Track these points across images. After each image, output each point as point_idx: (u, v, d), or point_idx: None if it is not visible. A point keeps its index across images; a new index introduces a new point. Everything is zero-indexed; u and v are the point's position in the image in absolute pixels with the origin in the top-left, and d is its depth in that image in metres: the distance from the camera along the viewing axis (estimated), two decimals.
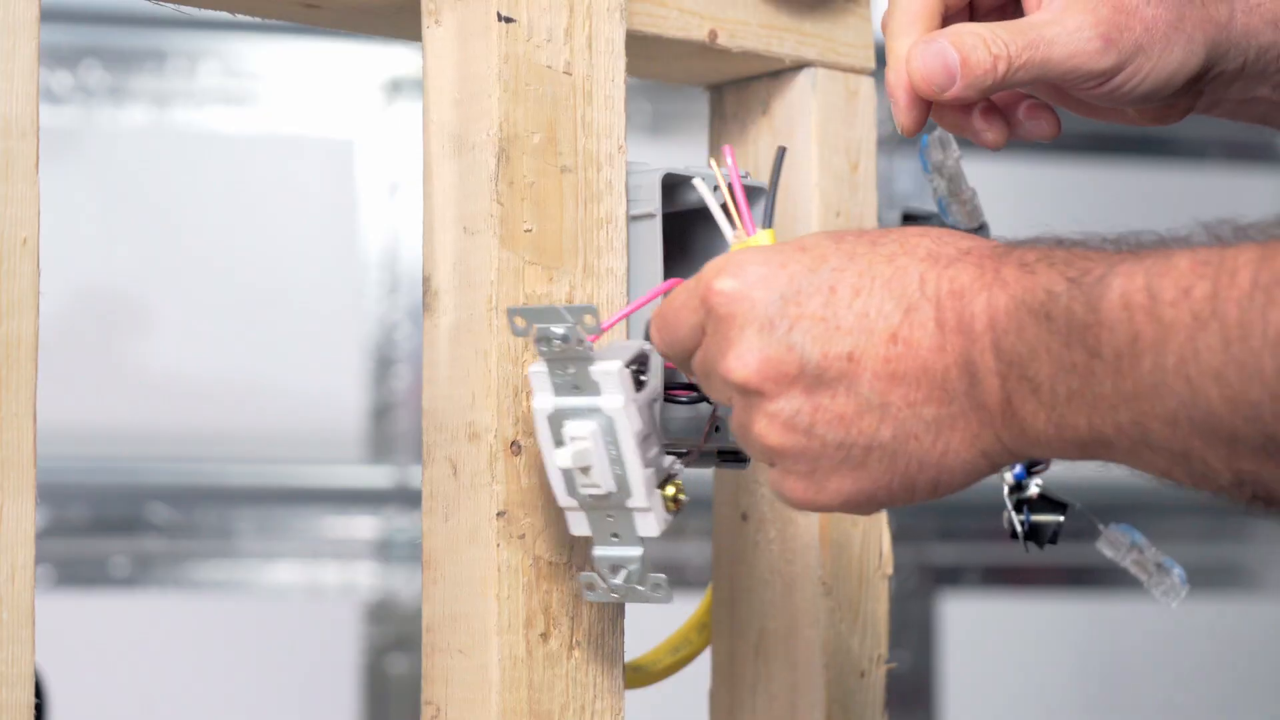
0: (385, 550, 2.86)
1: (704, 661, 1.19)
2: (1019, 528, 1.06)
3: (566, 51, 0.99)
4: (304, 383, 2.89)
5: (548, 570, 0.97)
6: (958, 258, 0.83)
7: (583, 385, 0.90)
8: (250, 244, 2.88)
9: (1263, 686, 3.17)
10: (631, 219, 1.00)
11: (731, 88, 1.17)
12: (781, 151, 0.98)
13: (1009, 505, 1.07)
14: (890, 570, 1.17)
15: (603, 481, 0.91)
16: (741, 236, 0.95)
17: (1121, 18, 0.95)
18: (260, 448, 2.86)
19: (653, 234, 0.99)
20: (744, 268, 0.86)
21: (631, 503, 0.92)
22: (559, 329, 0.89)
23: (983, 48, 0.94)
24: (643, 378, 0.91)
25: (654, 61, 1.11)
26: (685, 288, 0.90)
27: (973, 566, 3.04)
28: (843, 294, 0.84)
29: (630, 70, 1.01)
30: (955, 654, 3.02)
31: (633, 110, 1.01)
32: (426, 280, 1.00)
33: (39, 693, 0.91)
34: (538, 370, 0.91)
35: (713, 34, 1.09)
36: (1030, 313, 0.79)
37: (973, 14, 1.00)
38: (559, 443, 0.91)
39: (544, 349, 0.90)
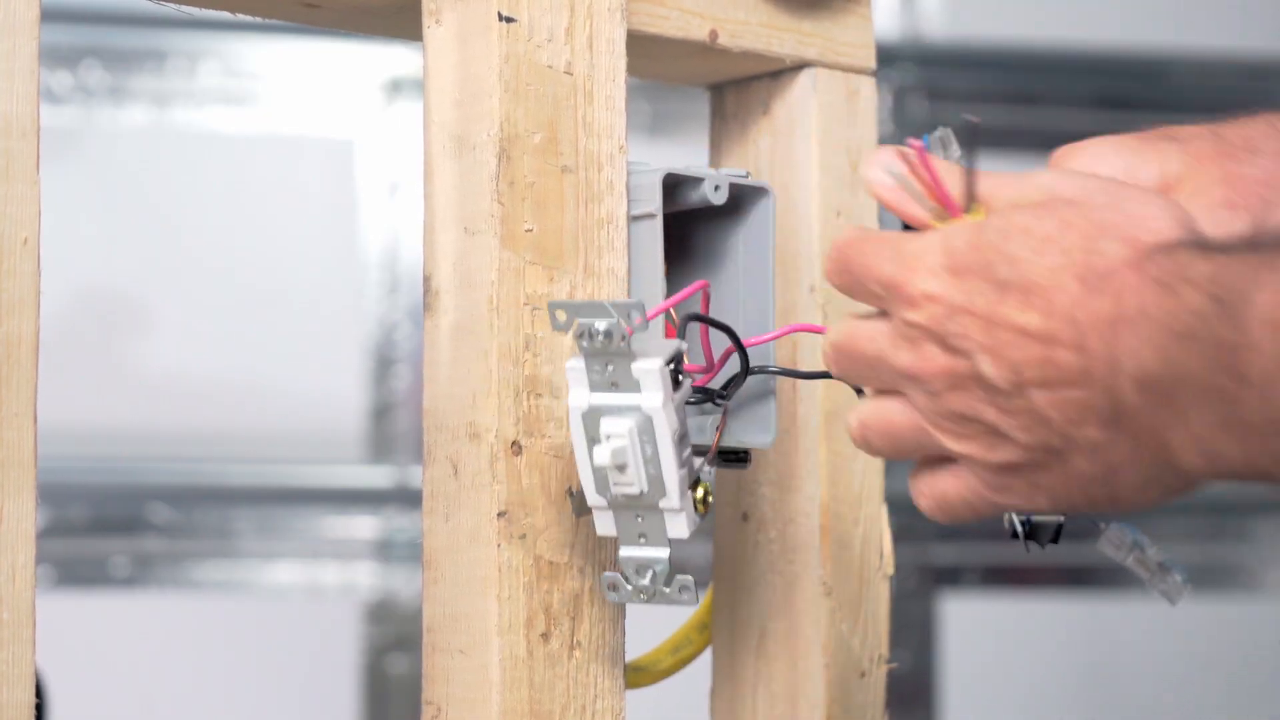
0: (385, 550, 2.86)
1: (704, 661, 1.19)
2: (1019, 528, 1.06)
3: (567, 51, 0.99)
4: (304, 383, 2.89)
5: (549, 570, 0.97)
6: (1107, 276, 0.80)
7: (621, 382, 0.90)
8: (250, 244, 2.88)
9: (1263, 686, 3.17)
10: (632, 219, 1.00)
11: (732, 88, 1.17)
12: (973, 126, 0.91)
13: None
14: (891, 570, 1.17)
15: (637, 480, 0.91)
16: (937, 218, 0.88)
17: (1235, 186, 0.93)
18: (260, 448, 2.86)
19: (653, 234, 0.99)
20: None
21: (664, 503, 0.92)
22: (602, 324, 0.89)
23: None
24: (680, 377, 0.91)
25: (654, 61, 1.11)
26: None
27: (973, 566, 3.04)
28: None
29: (630, 70, 1.01)
30: (955, 654, 3.02)
31: (633, 110, 1.01)
32: (427, 280, 1.00)
33: (39, 693, 0.91)
34: (575, 366, 0.91)
35: (713, 34, 1.09)
36: (1175, 337, 0.76)
37: None
38: (594, 440, 0.91)
39: (584, 344, 0.89)
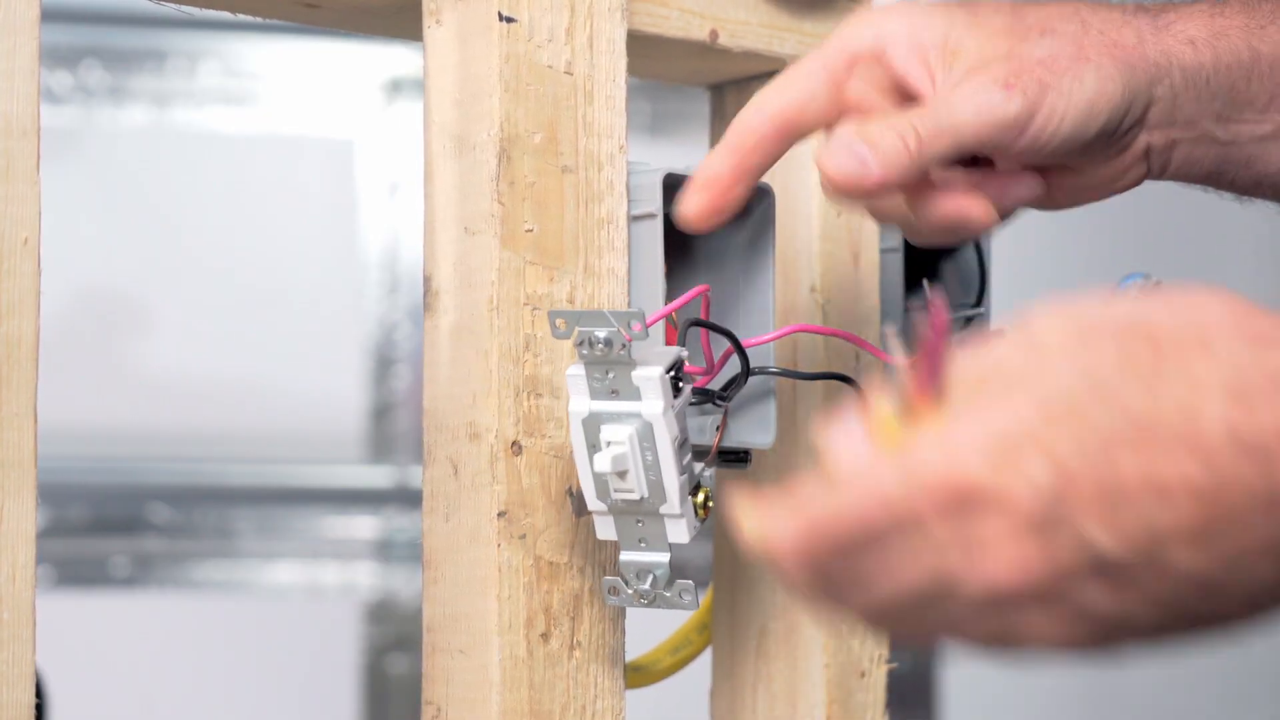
0: (385, 550, 2.86)
1: (704, 661, 1.19)
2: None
3: (567, 51, 0.99)
4: (304, 383, 2.89)
5: (549, 570, 0.97)
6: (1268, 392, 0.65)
7: (621, 390, 0.90)
8: (250, 244, 2.88)
9: (1263, 686, 3.17)
10: (632, 219, 1.00)
11: (732, 88, 1.17)
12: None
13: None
14: None
15: (637, 487, 0.91)
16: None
17: (1015, 64, 0.92)
18: (260, 448, 2.86)
19: (653, 234, 0.99)
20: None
21: (665, 509, 0.92)
22: (603, 332, 0.89)
23: (889, 131, 0.91)
24: (680, 384, 0.91)
25: (654, 61, 1.11)
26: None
27: None
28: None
29: (631, 70, 1.01)
30: (955, 654, 3.02)
31: (633, 110, 1.01)
32: (427, 280, 1.00)
33: (39, 693, 0.91)
34: (575, 373, 0.91)
35: (714, 34, 1.09)
36: None
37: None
38: (594, 447, 0.91)
39: (584, 352, 0.90)
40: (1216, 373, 0.65)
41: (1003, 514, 0.65)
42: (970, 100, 0.92)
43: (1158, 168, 0.98)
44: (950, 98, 0.93)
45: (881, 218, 0.99)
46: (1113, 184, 0.99)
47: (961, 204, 0.95)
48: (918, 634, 0.68)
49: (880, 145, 0.91)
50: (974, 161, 0.96)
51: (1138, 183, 0.99)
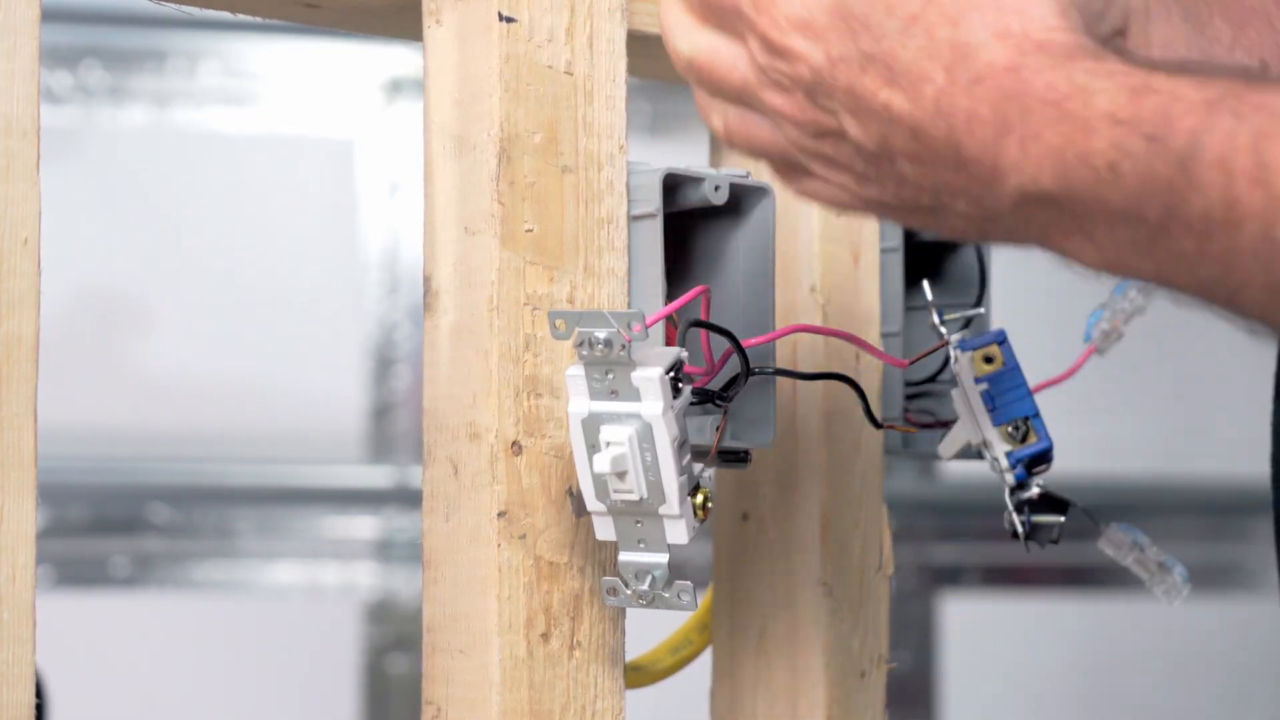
0: (385, 550, 2.86)
1: (704, 661, 1.19)
2: (1020, 528, 1.06)
3: (567, 51, 0.98)
4: (304, 383, 2.89)
5: (549, 570, 0.97)
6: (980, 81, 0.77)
7: (621, 390, 0.90)
8: (250, 244, 2.88)
9: (1263, 686, 3.17)
10: (632, 219, 1.00)
11: None
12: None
13: (1010, 505, 1.06)
14: (891, 570, 1.17)
15: (636, 487, 0.91)
16: None
17: None
18: (260, 448, 2.86)
19: (653, 234, 0.99)
20: None
21: (664, 510, 0.92)
22: (602, 333, 0.89)
23: None
24: (680, 385, 0.91)
25: (654, 61, 1.11)
26: None
27: (973, 566, 3.04)
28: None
29: (631, 70, 1.01)
30: (955, 654, 3.02)
31: (633, 110, 1.01)
32: (427, 280, 1.00)
33: (39, 693, 0.91)
34: (575, 374, 0.91)
35: None
36: (1086, 167, 0.74)
37: None
38: (594, 447, 0.91)
39: (584, 353, 0.90)
40: (950, 44, 0.79)
41: (785, 68, 0.83)
42: None
43: None
44: None
45: None
46: None
47: None
48: (741, 105, 0.86)
49: None
50: None
51: None
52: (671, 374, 0.90)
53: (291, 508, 2.84)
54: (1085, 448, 2.96)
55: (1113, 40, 0.94)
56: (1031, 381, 1.08)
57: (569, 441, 0.95)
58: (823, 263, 1.13)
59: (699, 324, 0.97)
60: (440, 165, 0.99)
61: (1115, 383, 3.08)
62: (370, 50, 2.85)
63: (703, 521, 0.93)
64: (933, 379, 1.16)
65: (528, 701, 0.96)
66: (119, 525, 2.79)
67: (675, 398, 0.91)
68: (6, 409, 0.89)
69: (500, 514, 0.95)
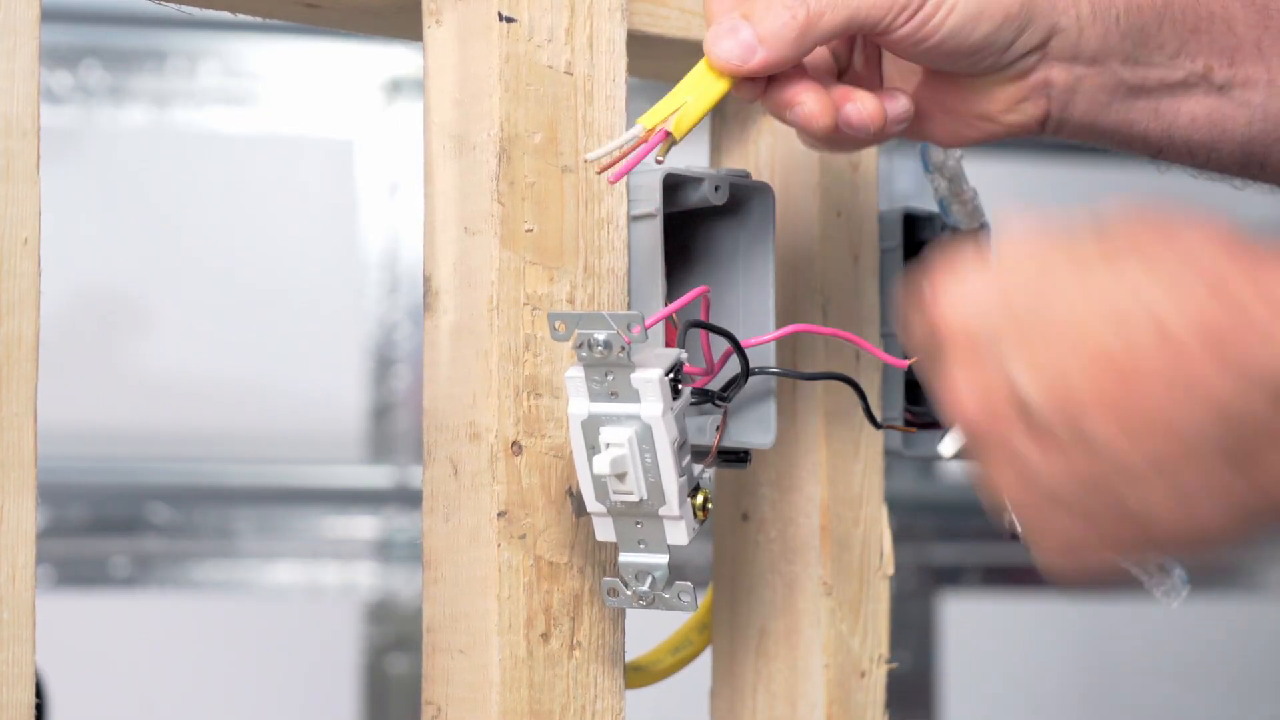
0: (385, 550, 2.86)
1: (704, 661, 1.19)
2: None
3: (567, 51, 0.98)
4: (304, 383, 2.89)
5: (548, 570, 0.97)
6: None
7: (621, 392, 0.90)
8: (250, 244, 2.88)
9: (1263, 686, 3.17)
10: (632, 219, 1.00)
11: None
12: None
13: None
14: (891, 570, 1.17)
15: (636, 489, 0.91)
16: None
17: None
18: (260, 448, 2.86)
19: (653, 234, 0.99)
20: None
21: (664, 511, 0.92)
22: (602, 335, 0.89)
23: (776, 6, 0.92)
24: (680, 386, 0.91)
25: (654, 61, 1.11)
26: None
27: (973, 566, 3.04)
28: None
29: (630, 70, 1.01)
30: (955, 654, 3.02)
31: (633, 110, 1.01)
32: (427, 280, 1.00)
33: (39, 693, 0.91)
34: (574, 375, 0.91)
35: None
36: None
37: None
38: (593, 449, 0.91)
39: (584, 354, 0.90)
40: (1157, 272, 0.73)
41: (953, 349, 0.77)
42: None
43: (1059, 106, 0.97)
44: None
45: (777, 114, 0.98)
46: (1005, 115, 0.97)
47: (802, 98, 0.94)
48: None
49: (764, 22, 0.92)
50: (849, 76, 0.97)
51: (1034, 124, 0.97)
52: (671, 375, 0.90)
53: (291, 508, 2.84)
54: None
55: (1026, 59, 0.94)
56: None
57: (569, 442, 0.95)
58: (823, 263, 1.13)
59: (699, 324, 0.97)
60: (440, 165, 0.99)
61: None
62: (370, 50, 2.85)
63: (703, 522, 0.93)
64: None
65: (528, 701, 0.96)
66: (119, 525, 2.79)
67: (675, 399, 0.91)
68: (6, 409, 0.89)
69: (500, 514, 0.95)
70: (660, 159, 0.92)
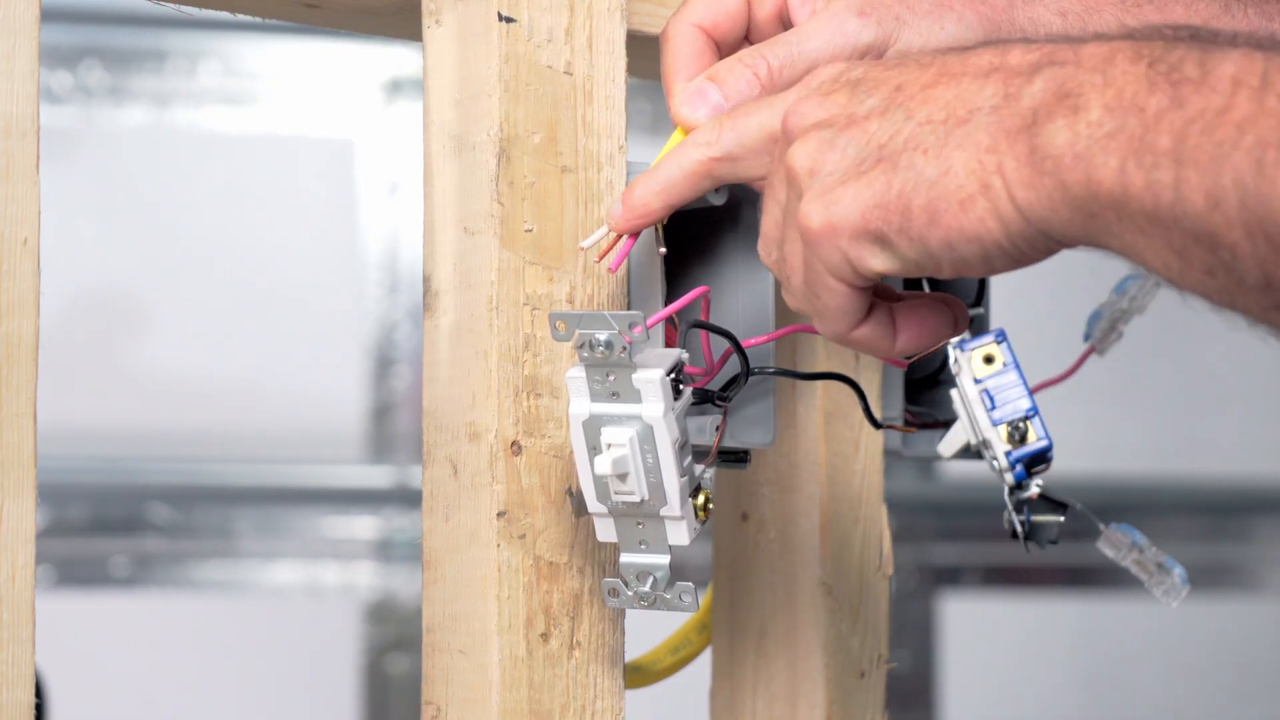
0: (385, 550, 2.86)
1: (704, 661, 1.19)
2: (1019, 528, 1.06)
3: (567, 51, 0.99)
4: (304, 383, 2.89)
5: (548, 570, 0.97)
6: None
7: (622, 392, 0.90)
8: (250, 244, 2.88)
9: (1263, 686, 3.17)
10: None
11: None
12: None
13: (1009, 505, 1.06)
14: (891, 570, 1.17)
15: (637, 489, 0.91)
16: None
17: None
18: (260, 448, 2.86)
19: (653, 235, 0.99)
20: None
21: (665, 511, 0.92)
22: (603, 335, 0.89)
23: (737, 65, 0.93)
24: (681, 386, 0.91)
25: (654, 61, 1.11)
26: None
27: (973, 566, 3.04)
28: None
29: (630, 70, 1.01)
30: (955, 654, 3.02)
31: (633, 110, 1.01)
32: (426, 280, 1.00)
33: (39, 693, 0.91)
34: (575, 375, 0.91)
35: None
36: (1127, 55, 0.74)
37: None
38: (594, 449, 0.91)
39: (585, 355, 0.90)
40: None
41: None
42: (824, 27, 0.93)
43: None
44: (805, 25, 0.94)
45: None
46: None
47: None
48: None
49: (728, 82, 0.93)
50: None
51: None
52: (672, 375, 0.90)
53: (291, 508, 2.84)
54: (1085, 448, 2.97)
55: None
56: (1031, 381, 1.08)
57: (569, 441, 0.95)
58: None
59: (699, 325, 0.97)
60: (440, 165, 0.99)
61: (1115, 383, 3.08)
62: (370, 50, 2.85)
63: (704, 522, 0.93)
64: (933, 379, 1.16)
65: (527, 701, 0.96)
66: (119, 525, 2.79)
67: (676, 399, 0.91)
68: (6, 409, 0.89)
69: (500, 514, 0.95)
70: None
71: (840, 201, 0.81)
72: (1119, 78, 0.74)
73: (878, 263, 0.81)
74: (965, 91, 0.79)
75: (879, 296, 0.86)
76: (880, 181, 0.80)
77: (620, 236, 0.94)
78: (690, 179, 0.91)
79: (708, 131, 0.90)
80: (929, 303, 0.88)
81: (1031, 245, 0.78)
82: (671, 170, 0.91)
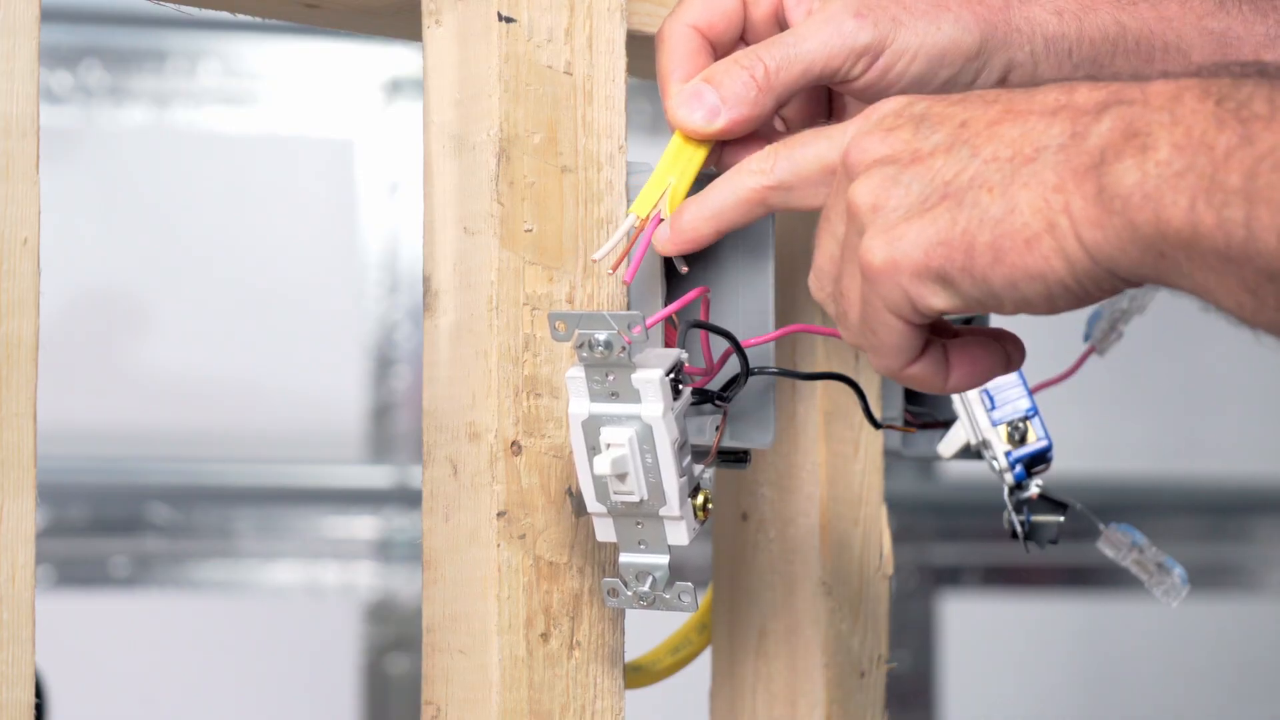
0: (385, 550, 2.86)
1: (704, 661, 1.19)
2: (1019, 528, 1.06)
3: (567, 51, 0.99)
4: (304, 383, 2.89)
5: (548, 570, 0.97)
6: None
7: (621, 392, 0.90)
8: (250, 244, 2.88)
9: (1263, 686, 3.17)
10: None
11: None
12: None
13: (1009, 505, 1.07)
14: (891, 570, 1.17)
15: (637, 489, 0.91)
16: None
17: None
18: (260, 448, 2.86)
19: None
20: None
21: (664, 511, 0.92)
22: (602, 335, 0.89)
23: (733, 67, 0.93)
24: (680, 386, 0.91)
25: (654, 61, 1.11)
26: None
27: (973, 566, 3.04)
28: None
29: (630, 70, 1.01)
30: (955, 654, 3.02)
31: (633, 110, 1.01)
32: (426, 280, 1.00)
33: (39, 693, 0.91)
34: (575, 375, 0.91)
35: None
36: (1195, 93, 0.74)
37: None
38: (594, 449, 0.91)
39: (585, 354, 0.90)
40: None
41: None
42: (821, 28, 0.93)
43: None
44: (801, 27, 0.94)
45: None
46: None
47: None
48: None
49: (724, 84, 0.93)
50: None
51: None
52: (672, 375, 0.90)
53: (291, 508, 2.84)
54: (1085, 448, 2.96)
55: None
56: (1031, 381, 1.08)
57: (568, 442, 0.95)
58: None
59: (699, 325, 0.97)
60: (440, 165, 0.99)
61: (1115, 383, 3.08)
62: (370, 50, 2.85)
63: (703, 523, 0.93)
64: None
65: (527, 701, 0.96)
66: (119, 525, 2.79)
67: (675, 399, 0.91)
68: (6, 409, 0.89)
69: (500, 514, 0.95)
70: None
71: (904, 238, 0.80)
72: (1187, 116, 0.74)
73: (939, 300, 0.81)
74: (1032, 129, 0.79)
75: (934, 331, 0.86)
76: (945, 219, 0.80)
77: (631, 246, 0.94)
78: (742, 206, 0.91)
79: (762, 160, 0.90)
80: (983, 340, 0.87)
81: (1097, 284, 0.77)
82: (724, 196, 0.91)
